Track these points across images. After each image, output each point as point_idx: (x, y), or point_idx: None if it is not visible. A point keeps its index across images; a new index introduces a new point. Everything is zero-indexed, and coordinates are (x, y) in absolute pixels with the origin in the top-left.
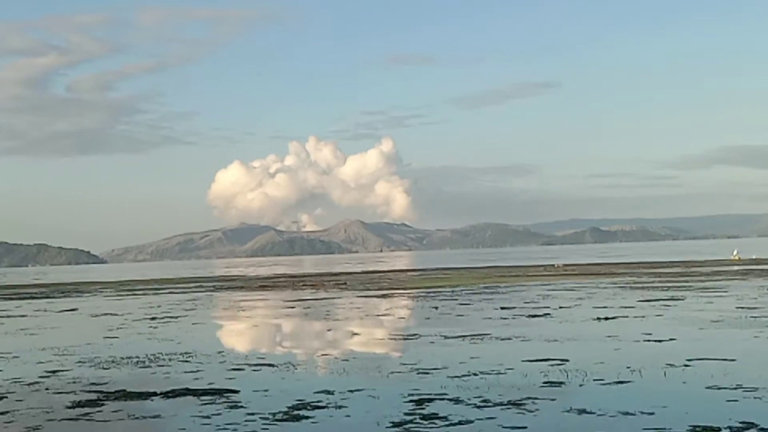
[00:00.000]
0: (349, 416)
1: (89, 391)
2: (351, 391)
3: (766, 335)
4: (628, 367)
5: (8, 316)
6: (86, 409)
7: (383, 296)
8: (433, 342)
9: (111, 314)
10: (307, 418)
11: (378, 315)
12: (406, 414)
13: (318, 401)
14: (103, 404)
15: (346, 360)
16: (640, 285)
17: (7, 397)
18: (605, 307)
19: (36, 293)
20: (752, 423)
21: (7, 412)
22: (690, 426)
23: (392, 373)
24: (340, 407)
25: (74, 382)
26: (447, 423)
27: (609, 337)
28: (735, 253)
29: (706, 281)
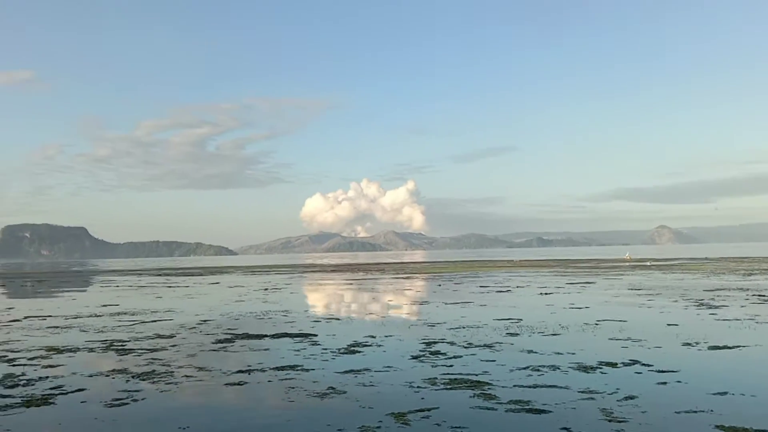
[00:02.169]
0: (385, 351)
1: (226, 333)
2: (386, 336)
3: (647, 305)
4: (560, 325)
5: (178, 286)
6: (224, 344)
7: (407, 278)
8: (437, 306)
9: (239, 286)
10: (359, 352)
11: (403, 289)
12: (420, 351)
13: (366, 342)
14: (234, 342)
15: (383, 316)
16: (567, 273)
17: (175, 336)
18: (545, 287)
19: (194, 272)
20: (637, 360)
21: (176, 345)
22: (597, 361)
23: (412, 325)
24: (379, 345)
25: (217, 328)
26: (445, 357)
27: (547, 305)
28: (627, 254)
29: (609, 272)
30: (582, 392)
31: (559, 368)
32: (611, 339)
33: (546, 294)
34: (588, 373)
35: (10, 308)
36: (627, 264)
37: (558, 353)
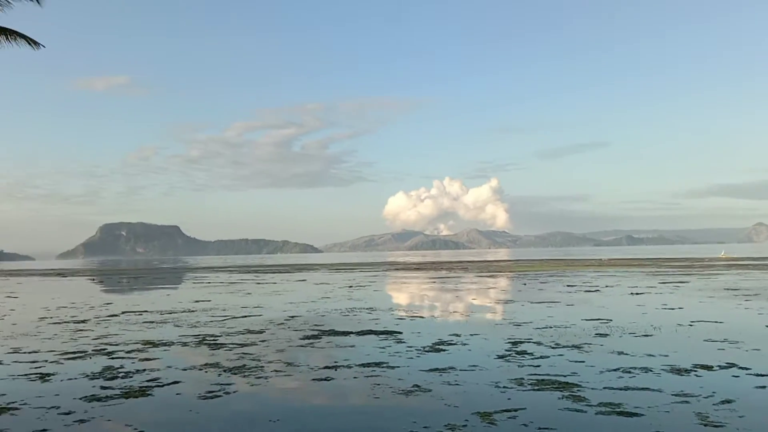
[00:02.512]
0: (470, 350)
1: (313, 330)
2: (471, 334)
3: (744, 306)
4: (651, 325)
5: (265, 283)
6: (311, 340)
7: (491, 276)
8: (523, 305)
9: (325, 283)
10: (444, 350)
11: (488, 288)
12: (506, 351)
13: (450, 340)
14: (321, 338)
15: (468, 315)
16: (659, 273)
17: (264, 331)
18: (636, 287)
19: (281, 270)
20: (734, 363)
21: (265, 340)
22: (692, 364)
23: (497, 324)
24: (464, 344)
25: (304, 324)
26: (532, 357)
27: (638, 305)
28: (723, 252)
29: (704, 270)
30: (676, 395)
31: (651, 370)
32: (706, 341)
33: (637, 294)
34: (682, 375)
35: (108, 303)
36: (723, 263)
37: (650, 355)
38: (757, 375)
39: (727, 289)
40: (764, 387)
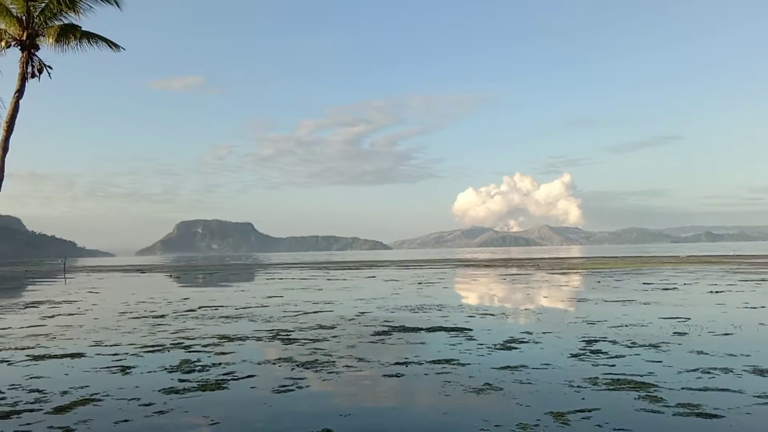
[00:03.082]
0: (542, 348)
1: (383, 326)
2: (543, 332)
3: None
4: (732, 325)
5: (336, 279)
6: (382, 336)
7: (563, 273)
8: (597, 303)
9: (394, 280)
10: (516, 348)
11: (560, 285)
12: (580, 349)
13: (522, 338)
14: (391, 334)
15: (540, 313)
16: (741, 270)
17: (335, 327)
18: (716, 285)
19: (351, 266)
20: None
21: (337, 335)
22: None
23: (570, 322)
24: (536, 342)
25: (374, 320)
26: (607, 356)
27: (718, 304)
28: None
29: None
30: (758, 397)
31: (732, 371)
32: None
33: (716, 292)
34: (765, 376)
35: (185, 299)
36: None
37: (731, 355)
38: None
39: None
40: None
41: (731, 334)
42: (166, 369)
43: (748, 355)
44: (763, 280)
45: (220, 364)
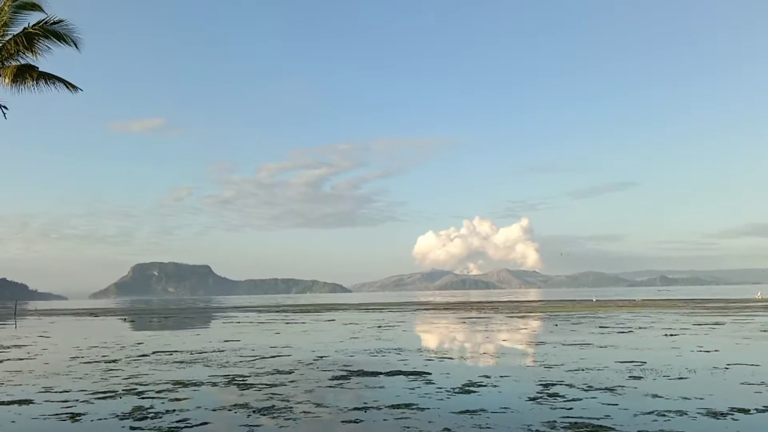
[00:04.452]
0: (501, 392)
1: (342, 370)
2: (502, 376)
3: None
4: (686, 368)
5: (295, 323)
6: (340, 381)
7: (521, 317)
8: (554, 347)
9: (354, 323)
10: (474, 392)
11: (518, 328)
12: (537, 393)
13: (481, 381)
14: (350, 378)
15: (498, 356)
16: (694, 314)
17: (293, 372)
18: (670, 328)
19: (311, 309)
20: None
21: (294, 380)
22: (728, 407)
23: (528, 366)
24: (495, 386)
25: (333, 364)
26: (564, 399)
27: (673, 348)
28: (758, 294)
29: (739, 312)
30: None
31: (686, 413)
32: (743, 384)
33: (671, 335)
34: (718, 419)
35: (139, 343)
36: (759, 304)
37: (685, 398)
38: None
39: (764, 331)
40: None
41: (685, 377)
42: (117, 416)
43: (702, 398)
44: (716, 323)
45: (173, 410)
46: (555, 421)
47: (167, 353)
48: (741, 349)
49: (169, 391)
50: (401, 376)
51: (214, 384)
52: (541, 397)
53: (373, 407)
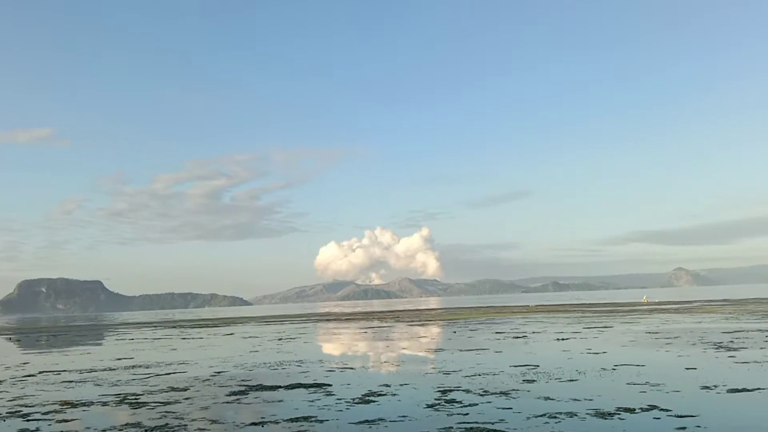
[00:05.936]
0: (400, 400)
1: (240, 385)
2: (401, 384)
3: (665, 349)
4: (577, 371)
5: (191, 338)
6: (238, 396)
7: (422, 325)
8: (452, 353)
9: (254, 336)
10: (374, 401)
11: (418, 337)
12: (435, 400)
13: (380, 391)
14: (248, 393)
15: (398, 365)
16: (584, 318)
17: (189, 389)
18: (562, 332)
19: (209, 324)
20: (656, 405)
21: (190, 397)
22: (616, 407)
23: (427, 373)
24: (394, 395)
25: (231, 379)
26: (461, 405)
27: (564, 351)
28: (644, 298)
29: (626, 315)
30: None
31: (576, 415)
32: (629, 384)
33: (563, 339)
34: (606, 419)
35: (25, 363)
36: (644, 308)
37: (575, 399)
38: (677, 416)
39: (649, 333)
40: (684, 428)
41: (576, 379)
42: None
43: (591, 399)
44: (605, 327)
45: None
46: (451, 428)
47: (55, 373)
48: (628, 350)
49: (56, 412)
50: (301, 389)
51: (105, 404)
52: (438, 404)
53: (270, 422)
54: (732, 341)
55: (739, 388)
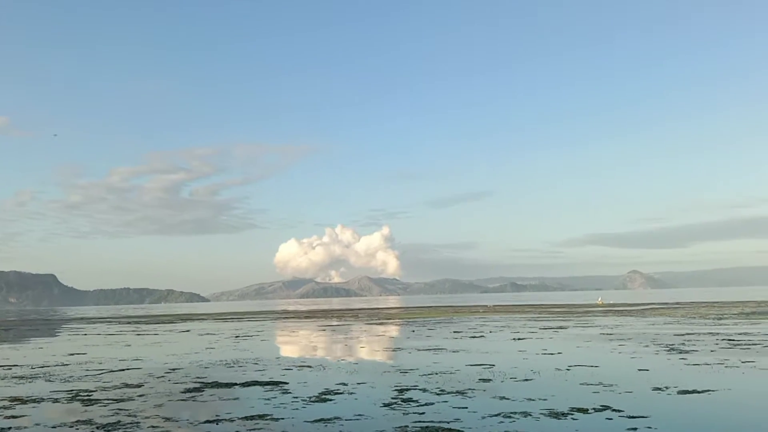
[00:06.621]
0: (356, 399)
1: (195, 382)
2: (358, 383)
3: (618, 350)
4: (532, 371)
5: (146, 334)
6: (193, 394)
7: (380, 323)
8: (410, 352)
9: (210, 334)
10: (330, 400)
11: (377, 335)
12: (392, 398)
13: (337, 389)
14: (203, 391)
15: (356, 363)
16: (540, 318)
17: (143, 385)
18: (518, 332)
19: (165, 320)
20: (608, 406)
21: (144, 394)
22: (569, 407)
23: (384, 372)
24: (351, 393)
25: (186, 376)
26: (417, 404)
27: (520, 351)
28: (599, 299)
29: (581, 317)
30: None
31: (530, 414)
32: (583, 384)
33: (519, 339)
34: (559, 419)
35: None
36: (599, 309)
37: (530, 399)
38: (629, 417)
39: (603, 334)
40: (635, 429)
41: (531, 379)
42: None
43: (545, 399)
44: (560, 327)
45: (9, 428)
46: (407, 426)
47: (5, 368)
48: (582, 351)
49: (5, 408)
50: (257, 387)
51: (56, 400)
52: (395, 403)
53: (225, 419)
54: (683, 344)
55: (690, 389)
